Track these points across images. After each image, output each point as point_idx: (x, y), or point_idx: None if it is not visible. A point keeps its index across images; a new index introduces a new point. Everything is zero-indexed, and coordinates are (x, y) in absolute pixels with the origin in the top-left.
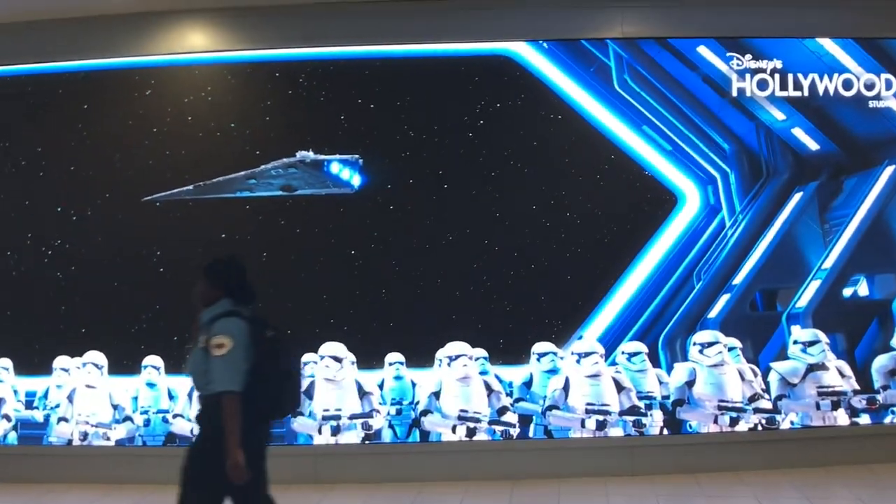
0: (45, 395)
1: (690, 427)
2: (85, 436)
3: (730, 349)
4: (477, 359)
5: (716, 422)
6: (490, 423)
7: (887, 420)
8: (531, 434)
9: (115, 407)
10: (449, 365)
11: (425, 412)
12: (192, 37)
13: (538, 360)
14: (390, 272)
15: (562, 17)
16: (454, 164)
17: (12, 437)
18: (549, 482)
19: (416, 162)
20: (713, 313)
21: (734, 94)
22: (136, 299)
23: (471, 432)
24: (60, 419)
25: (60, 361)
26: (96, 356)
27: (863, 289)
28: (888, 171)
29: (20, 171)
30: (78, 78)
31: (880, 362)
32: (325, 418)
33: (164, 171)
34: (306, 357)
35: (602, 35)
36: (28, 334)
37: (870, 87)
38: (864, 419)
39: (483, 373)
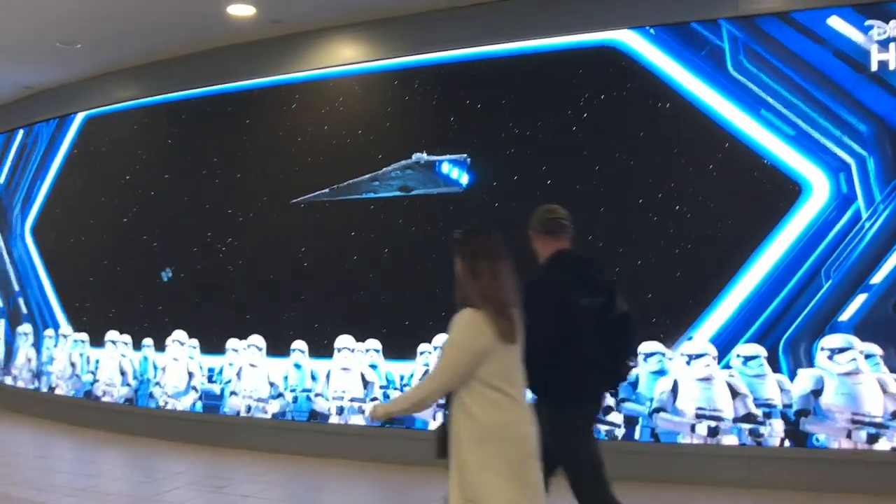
0: (221, 372)
1: (817, 441)
2: (249, 408)
3: (867, 356)
4: None
5: (849, 437)
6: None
7: None
8: (637, 436)
9: (271, 384)
10: None
11: None
12: (324, 54)
13: (645, 360)
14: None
15: (670, 1)
16: (558, 159)
17: (199, 406)
18: (651, 485)
19: (521, 159)
20: (846, 316)
21: (874, 68)
22: (286, 290)
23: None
24: (232, 393)
25: (232, 343)
26: (257, 339)
27: None
28: None
29: (200, 180)
30: (242, 97)
31: None
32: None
33: (307, 176)
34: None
35: (714, 15)
36: (209, 318)
37: None
38: None
39: None
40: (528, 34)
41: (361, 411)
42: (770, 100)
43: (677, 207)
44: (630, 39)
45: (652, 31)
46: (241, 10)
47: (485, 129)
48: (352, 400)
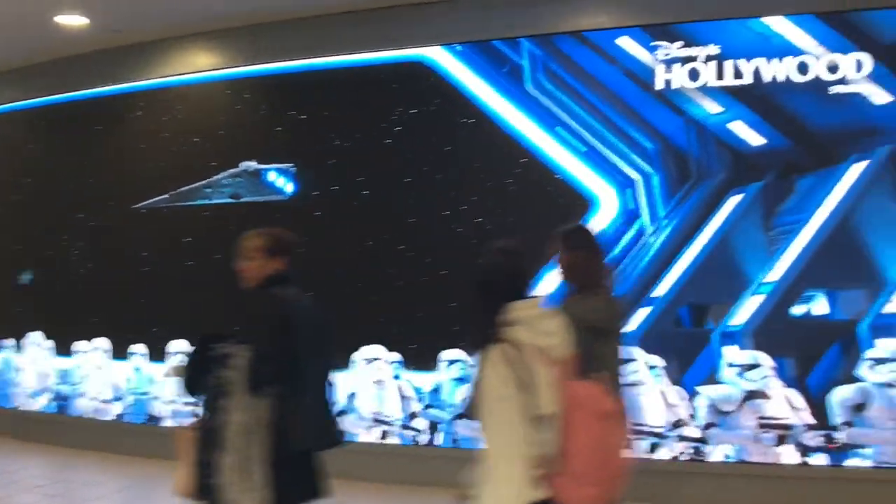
0: (71, 373)
1: None
2: (95, 410)
3: (650, 368)
4: (391, 363)
5: (632, 446)
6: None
7: (850, 463)
8: (438, 442)
9: (113, 387)
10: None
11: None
12: (165, 63)
13: (448, 367)
14: (314, 275)
15: (473, 19)
16: (373, 171)
17: (52, 406)
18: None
19: (341, 170)
20: (631, 327)
21: (660, 87)
22: (128, 294)
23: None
24: (80, 395)
25: (79, 345)
26: (102, 342)
27: (820, 307)
28: (856, 168)
29: (58, 185)
30: (93, 104)
31: (842, 394)
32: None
33: (150, 182)
34: None
35: (514, 34)
36: (63, 320)
37: (833, 69)
38: (820, 459)
39: (396, 377)
40: (348, 48)
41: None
42: (564, 116)
43: (479, 220)
44: (439, 56)
45: (458, 48)
46: (72, 20)
47: (309, 139)
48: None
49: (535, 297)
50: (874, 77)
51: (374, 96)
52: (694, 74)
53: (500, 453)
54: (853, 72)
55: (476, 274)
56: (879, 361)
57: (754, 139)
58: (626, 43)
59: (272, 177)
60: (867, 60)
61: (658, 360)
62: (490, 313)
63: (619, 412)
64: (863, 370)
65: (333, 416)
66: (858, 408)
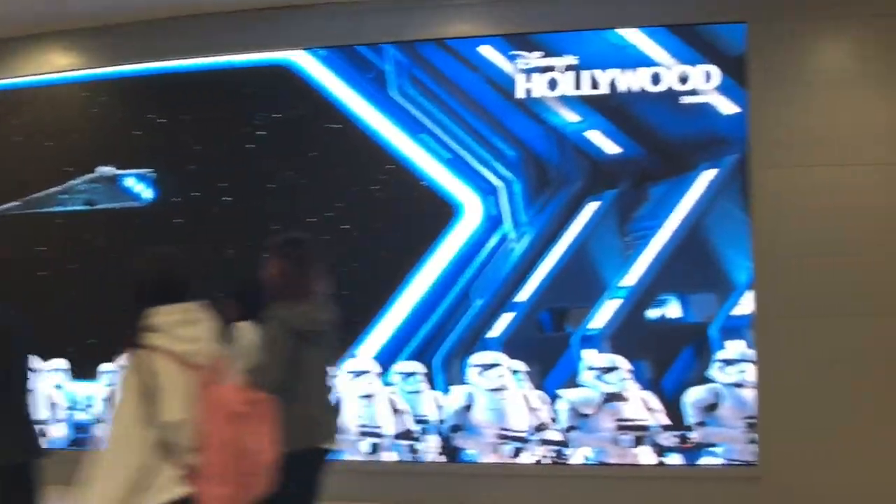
0: None
1: (468, 455)
2: None
3: (513, 373)
4: None
5: (496, 451)
6: None
7: (703, 461)
8: None
9: None
10: None
11: None
12: (18, 63)
13: None
14: None
15: (338, 24)
16: (236, 177)
17: None
18: None
19: (201, 175)
20: (494, 333)
21: (520, 95)
22: None
23: None
24: None
25: None
26: None
27: (673, 310)
28: (705, 175)
29: None
30: None
31: (695, 395)
32: None
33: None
34: None
35: (378, 40)
36: None
37: (684, 80)
38: (675, 459)
39: None
40: (211, 51)
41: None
42: (429, 123)
43: (345, 227)
44: (303, 60)
45: (323, 52)
46: None
47: (169, 144)
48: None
49: (187, 303)
50: (722, 89)
51: (236, 100)
52: (553, 84)
53: (115, 456)
54: (703, 83)
55: (128, 280)
56: (729, 363)
57: (610, 148)
58: (488, 51)
59: (130, 182)
60: (715, 72)
61: (521, 365)
62: (135, 319)
63: (261, 413)
64: (714, 371)
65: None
66: (710, 408)
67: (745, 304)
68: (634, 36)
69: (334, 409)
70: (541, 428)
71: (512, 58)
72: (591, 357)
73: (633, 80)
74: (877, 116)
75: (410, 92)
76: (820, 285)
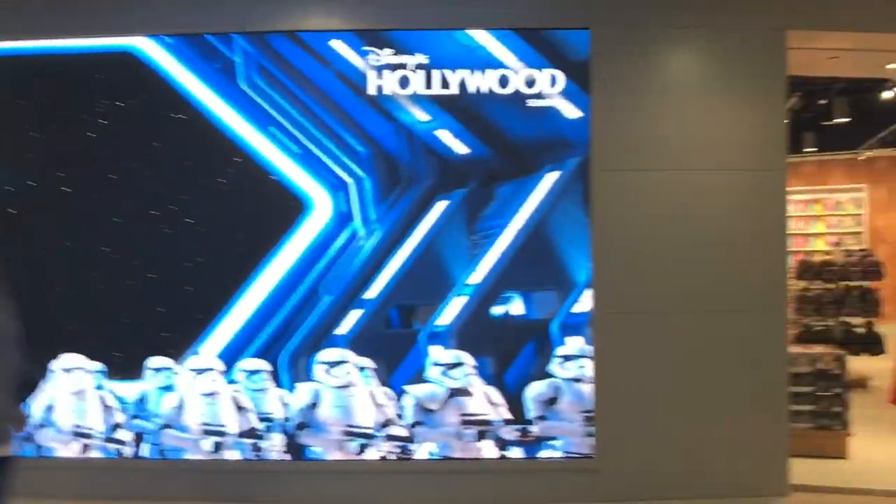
0: None
1: (314, 453)
2: None
3: (360, 369)
4: (92, 372)
5: (342, 448)
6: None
7: (543, 454)
8: (145, 453)
9: None
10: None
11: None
12: None
13: (154, 375)
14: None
15: (185, 11)
16: (76, 167)
17: None
18: None
19: (39, 165)
20: (342, 330)
21: (371, 92)
22: None
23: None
24: None
25: None
26: None
27: (517, 307)
28: (549, 177)
29: None
30: None
31: (536, 390)
32: None
33: None
34: None
35: (226, 29)
36: None
37: (530, 83)
38: (516, 452)
39: (98, 388)
40: (50, 33)
41: None
42: (278, 117)
43: (189, 220)
44: (148, 47)
45: (169, 40)
46: None
47: (3, 132)
48: None
49: None
50: (566, 93)
51: (77, 87)
52: (404, 82)
53: None
54: (548, 87)
55: None
56: (568, 358)
57: (459, 147)
58: (340, 46)
59: None
60: (561, 77)
61: (368, 362)
62: None
63: None
64: (554, 367)
65: None
66: (550, 402)
67: (585, 302)
68: (483, 38)
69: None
70: (387, 424)
71: (363, 53)
72: (437, 353)
73: (481, 82)
74: (715, 124)
75: (260, 84)
76: (654, 284)
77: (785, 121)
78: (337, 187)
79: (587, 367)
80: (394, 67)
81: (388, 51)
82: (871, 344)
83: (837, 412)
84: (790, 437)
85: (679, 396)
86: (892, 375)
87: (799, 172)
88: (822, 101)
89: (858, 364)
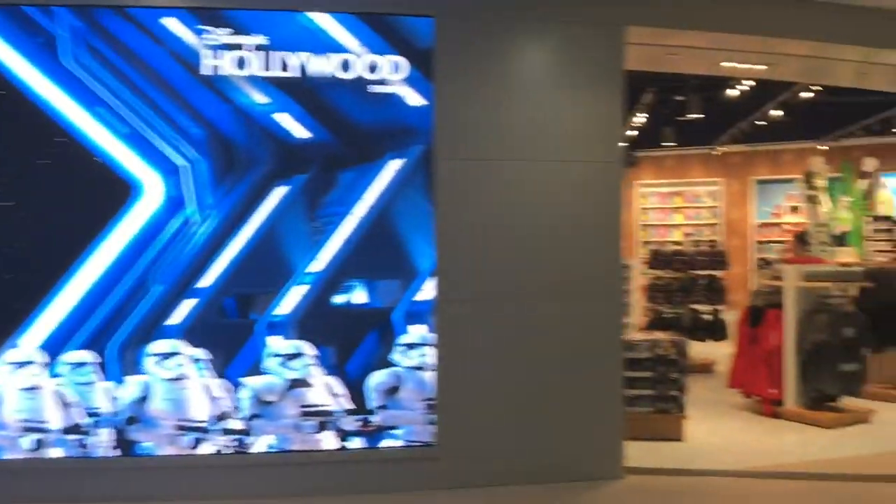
0: None
1: (144, 448)
2: None
3: (195, 361)
4: None
5: (174, 442)
6: None
7: (384, 444)
8: None
9: None
10: None
11: None
12: None
13: None
14: None
15: None
16: None
17: None
18: None
19: None
20: (175, 320)
21: (206, 72)
22: None
23: None
24: None
25: None
26: None
27: (359, 296)
28: (393, 164)
29: None
30: None
31: (378, 379)
32: None
33: None
34: None
35: (50, 2)
36: None
37: (373, 69)
38: (357, 443)
39: None
40: None
41: None
42: (106, 95)
43: (7, 203)
44: None
45: None
46: None
47: None
48: None
49: None
50: (410, 80)
51: None
52: (242, 63)
53: None
54: (391, 73)
55: None
56: (411, 346)
57: (300, 132)
58: (173, 24)
59: None
60: (404, 64)
61: (202, 353)
62: None
63: None
64: (396, 355)
65: None
66: (392, 391)
67: (428, 291)
68: (326, 21)
69: None
70: (223, 417)
71: (198, 32)
72: (275, 344)
73: (323, 66)
74: (556, 115)
75: (86, 61)
76: (496, 273)
77: (622, 114)
78: (169, 171)
79: (429, 356)
80: (231, 48)
81: (225, 30)
82: (718, 330)
83: (675, 396)
84: (631, 421)
85: (519, 383)
86: (732, 360)
87: (661, 166)
88: (679, 98)
89: (705, 349)
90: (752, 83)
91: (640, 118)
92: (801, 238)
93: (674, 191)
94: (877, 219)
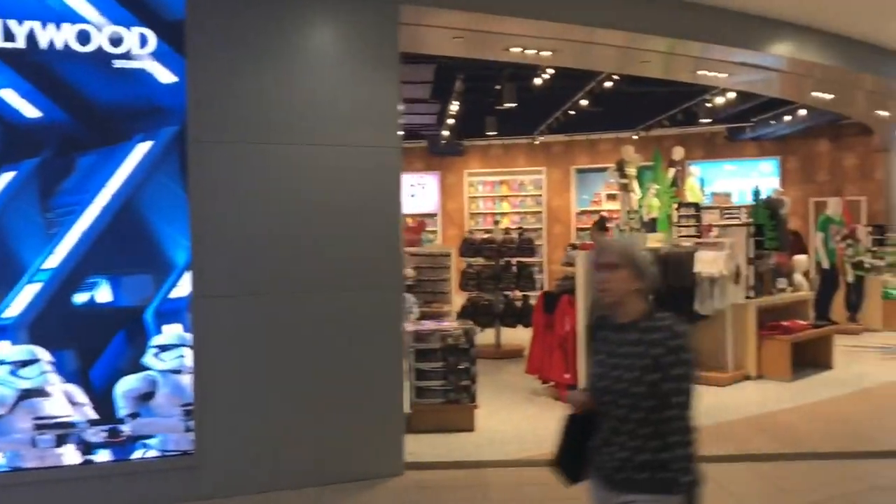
0: None
1: None
2: None
3: None
4: None
5: None
6: None
7: (137, 455)
8: None
9: None
10: None
11: None
12: None
13: None
14: None
15: None
16: None
17: None
18: None
19: None
20: None
21: None
22: None
23: None
24: None
25: None
26: None
27: (104, 294)
28: (141, 147)
29: None
30: None
31: (128, 385)
32: None
33: None
34: None
35: None
36: None
37: (116, 42)
38: (104, 455)
39: None
40: None
41: None
42: None
43: None
44: None
45: None
46: None
47: None
48: None
49: None
50: (158, 55)
51: None
52: None
53: None
54: (138, 47)
55: None
56: (165, 348)
57: (29, 111)
58: None
59: None
60: (152, 37)
61: None
62: None
63: None
64: (149, 358)
65: None
66: (145, 397)
67: (183, 286)
68: None
69: None
70: None
71: None
72: (4, 350)
73: (56, 36)
74: (326, 96)
75: None
76: (260, 265)
77: (398, 97)
78: None
79: (187, 357)
80: None
81: None
82: (527, 316)
83: (466, 385)
84: (422, 413)
85: (287, 383)
86: (530, 347)
87: (487, 155)
88: (497, 87)
89: (517, 335)
90: (553, 71)
91: (454, 106)
92: (600, 225)
93: (500, 179)
94: (684, 205)
